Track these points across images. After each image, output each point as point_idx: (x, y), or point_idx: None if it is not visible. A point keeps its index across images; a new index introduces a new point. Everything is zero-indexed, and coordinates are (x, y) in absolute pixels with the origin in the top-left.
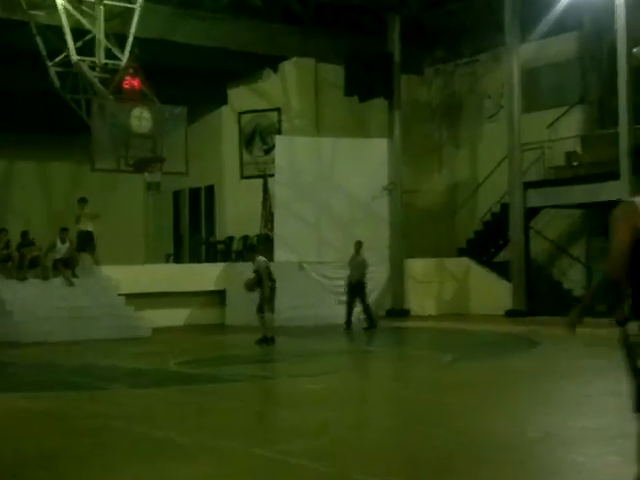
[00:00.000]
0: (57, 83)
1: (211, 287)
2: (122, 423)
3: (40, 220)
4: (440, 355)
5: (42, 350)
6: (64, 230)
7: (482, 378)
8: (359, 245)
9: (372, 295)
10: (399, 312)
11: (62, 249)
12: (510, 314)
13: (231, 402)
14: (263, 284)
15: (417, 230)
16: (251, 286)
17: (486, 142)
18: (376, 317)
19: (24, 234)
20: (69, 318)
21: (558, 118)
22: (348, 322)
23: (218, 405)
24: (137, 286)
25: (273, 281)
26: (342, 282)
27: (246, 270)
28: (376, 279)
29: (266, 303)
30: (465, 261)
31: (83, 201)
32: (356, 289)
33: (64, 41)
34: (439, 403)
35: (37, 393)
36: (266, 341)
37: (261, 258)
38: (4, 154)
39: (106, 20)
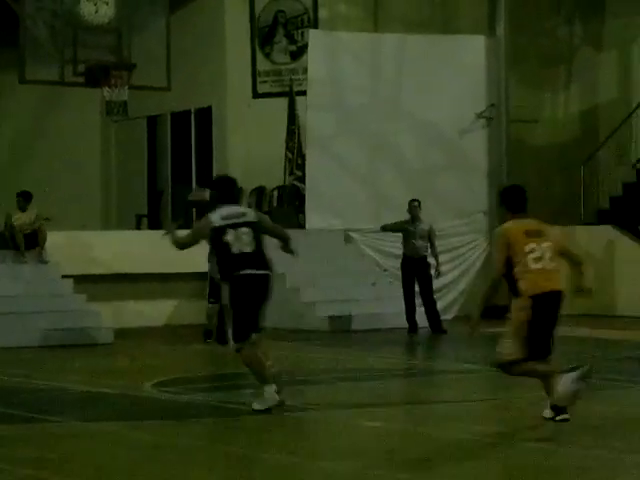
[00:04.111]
0: None
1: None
2: (62, 478)
3: None
4: None
5: None
6: None
7: (625, 415)
8: (416, 206)
9: (459, 284)
10: (504, 310)
11: None
12: None
13: (238, 448)
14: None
15: (532, 182)
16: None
17: None
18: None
19: None
20: None
21: None
22: (412, 322)
23: (216, 452)
24: (91, 264)
25: None
26: None
27: None
28: (465, 260)
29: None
30: (608, 231)
31: (25, 199)
32: (416, 271)
33: None
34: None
35: None
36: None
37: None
38: None
39: None
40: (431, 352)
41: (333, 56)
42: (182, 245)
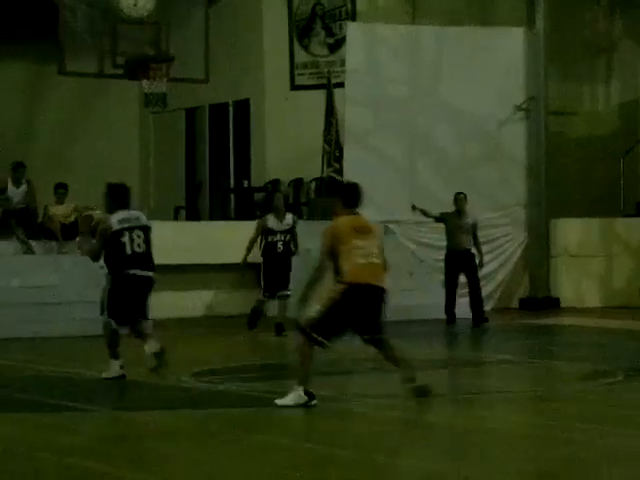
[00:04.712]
0: None
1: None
2: (103, 466)
3: None
4: (606, 371)
5: None
6: (18, 167)
7: None
8: (462, 198)
9: (497, 276)
10: (542, 302)
11: (16, 195)
12: None
13: (274, 437)
14: None
15: (570, 174)
16: None
17: None
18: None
19: None
20: (25, 304)
21: None
22: (450, 314)
23: (254, 441)
24: None
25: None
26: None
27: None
28: (504, 251)
29: None
30: None
31: (62, 191)
32: (462, 264)
33: None
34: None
35: None
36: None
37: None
38: None
39: None
40: (469, 343)
41: (371, 48)
42: (95, 254)
